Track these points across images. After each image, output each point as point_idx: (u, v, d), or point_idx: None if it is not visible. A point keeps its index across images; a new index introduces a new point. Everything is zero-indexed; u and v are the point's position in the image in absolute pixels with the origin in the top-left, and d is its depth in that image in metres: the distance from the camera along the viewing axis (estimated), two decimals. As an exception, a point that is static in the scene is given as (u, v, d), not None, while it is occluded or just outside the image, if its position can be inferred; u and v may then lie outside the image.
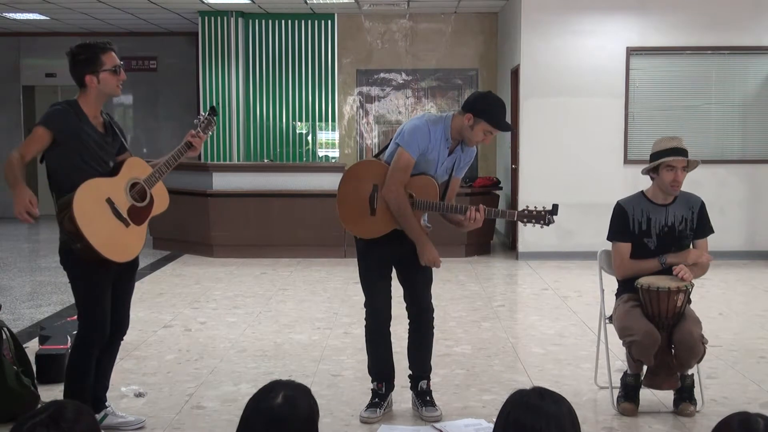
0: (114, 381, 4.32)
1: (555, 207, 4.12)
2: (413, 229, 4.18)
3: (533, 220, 4.10)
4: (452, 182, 4.32)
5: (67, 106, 3.82)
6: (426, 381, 4.41)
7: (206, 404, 4.53)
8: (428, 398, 4.38)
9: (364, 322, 4.43)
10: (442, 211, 4.22)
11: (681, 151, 4.36)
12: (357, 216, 4.28)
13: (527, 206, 4.24)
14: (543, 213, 4.08)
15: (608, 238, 4.54)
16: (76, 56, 3.82)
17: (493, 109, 4.14)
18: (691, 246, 4.48)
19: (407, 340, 4.48)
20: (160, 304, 7.14)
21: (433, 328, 4.47)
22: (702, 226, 4.46)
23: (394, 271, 4.42)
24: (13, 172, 3.71)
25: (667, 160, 4.34)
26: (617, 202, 4.56)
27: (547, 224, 4.09)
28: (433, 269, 4.43)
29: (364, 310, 4.40)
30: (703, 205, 4.48)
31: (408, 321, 4.46)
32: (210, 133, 4.26)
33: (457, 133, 4.20)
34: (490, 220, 4.22)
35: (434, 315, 4.47)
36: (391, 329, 4.43)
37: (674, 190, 4.40)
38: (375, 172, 4.28)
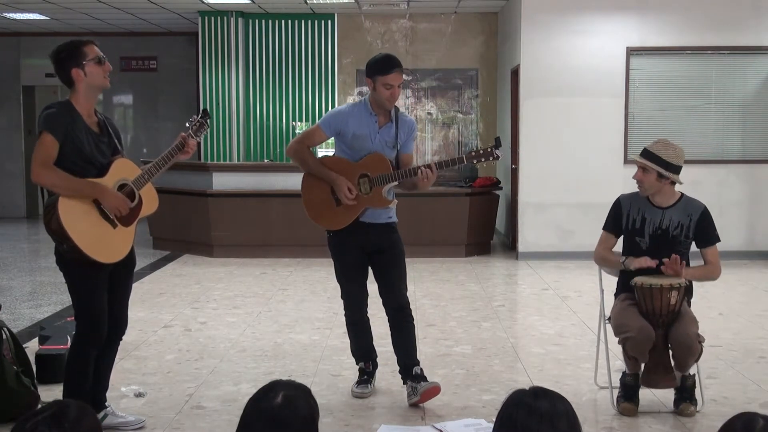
0: (114, 381, 4.33)
1: (497, 140, 4.39)
2: (319, 171, 4.50)
3: (482, 159, 4.38)
4: (402, 158, 4.55)
5: (60, 107, 3.80)
6: (419, 367, 4.53)
7: (206, 404, 4.53)
8: (425, 378, 4.50)
9: (343, 311, 4.76)
10: (398, 180, 4.44)
11: (644, 152, 4.41)
12: (325, 210, 4.55)
13: (473, 149, 4.50)
14: (489, 149, 4.35)
15: (603, 226, 4.60)
16: (60, 54, 3.81)
17: (377, 63, 4.47)
18: (690, 253, 4.47)
19: (390, 336, 4.63)
20: (160, 304, 7.14)
21: (413, 319, 4.63)
22: (703, 233, 4.40)
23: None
24: (73, 185, 3.72)
25: (635, 157, 4.47)
26: (619, 195, 4.60)
27: (496, 158, 4.36)
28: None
29: (343, 301, 4.72)
30: (704, 213, 4.41)
31: (387, 317, 4.62)
32: (202, 136, 4.25)
33: (375, 104, 4.47)
34: (446, 171, 4.62)
35: (411, 307, 4.65)
36: (383, 330, 4.55)
37: (639, 188, 4.45)
38: (331, 165, 4.54)
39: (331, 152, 4.89)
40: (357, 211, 4.49)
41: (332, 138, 4.61)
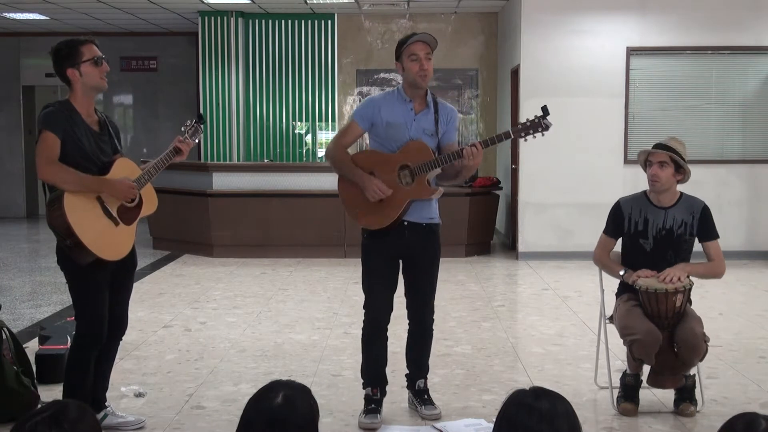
0: (114, 381, 4.33)
1: (544, 108, 4.11)
2: (354, 174, 4.20)
3: (531, 131, 4.12)
4: (444, 148, 4.24)
5: (59, 105, 3.81)
6: (423, 380, 4.41)
7: (206, 404, 4.53)
8: (426, 396, 4.39)
9: (362, 323, 4.36)
10: (441, 165, 4.14)
11: (660, 146, 4.36)
12: (366, 208, 4.20)
13: (519, 122, 4.21)
14: (537, 120, 4.10)
15: (604, 230, 4.57)
16: (58, 52, 3.82)
17: (399, 42, 4.23)
18: (694, 250, 4.45)
19: (406, 341, 4.48)
20: (160, 304, 7.14)
21: (433, 330, 4.47)
22: (705, 228, 4.39)
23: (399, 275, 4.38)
24: (81, 180, 3.72)
25: (647, 150, 4.39)
26: (618, 199, 4.56)
27: (546, 129, 4.10)
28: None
29: (364, 312, 4.33)
30: (705, 209, 4.40)
31: (408, 321, 4.45)
32: (197, 139, 4.25)
33: (409, 88, 4.24)
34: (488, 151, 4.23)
35: (434, 317, 4.48)
36: (391, 330, 4.41)
37: (653, 185, 4.38)
38: (367, 160, 4.28)
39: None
40: (401, 206, 4.16)
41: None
